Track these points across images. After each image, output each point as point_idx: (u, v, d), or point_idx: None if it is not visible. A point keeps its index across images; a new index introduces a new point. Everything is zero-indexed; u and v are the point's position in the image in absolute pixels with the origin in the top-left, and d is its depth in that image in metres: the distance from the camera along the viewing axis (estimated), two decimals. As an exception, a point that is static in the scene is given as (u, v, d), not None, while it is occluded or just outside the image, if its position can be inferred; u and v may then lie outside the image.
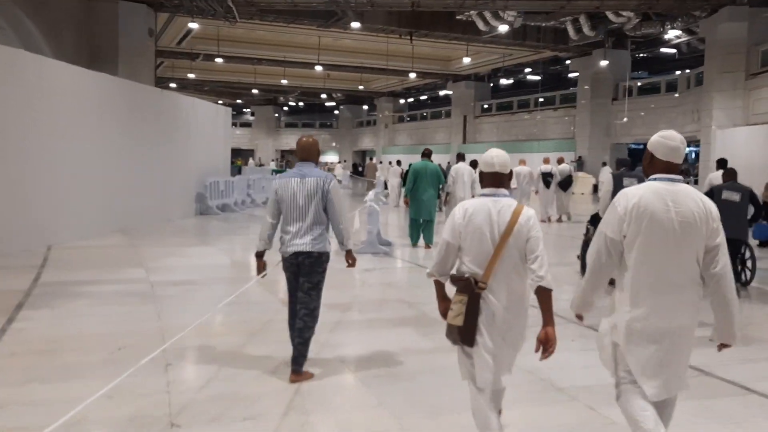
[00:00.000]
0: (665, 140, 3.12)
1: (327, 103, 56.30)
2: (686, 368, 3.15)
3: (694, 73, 28.17)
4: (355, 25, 26.25)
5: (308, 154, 4.80)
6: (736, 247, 8.27)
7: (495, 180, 3.36)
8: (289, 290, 4.87)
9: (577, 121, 33.90)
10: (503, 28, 25.77)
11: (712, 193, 8.51)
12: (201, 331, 5.84)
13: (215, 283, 8.34)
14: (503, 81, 41.92)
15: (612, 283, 3.22)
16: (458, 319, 3.22)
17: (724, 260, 3.01)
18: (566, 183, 17.26)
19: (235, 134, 60.77)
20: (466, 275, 3.26)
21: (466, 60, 33.00)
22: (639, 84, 31.75)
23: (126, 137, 13.83)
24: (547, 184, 17.11)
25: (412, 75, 37.28)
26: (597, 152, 31.68)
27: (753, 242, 12.00)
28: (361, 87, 43.82)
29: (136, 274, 8.75)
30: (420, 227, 11.82)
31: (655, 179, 3.08)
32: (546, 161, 17.70)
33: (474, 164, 12.73)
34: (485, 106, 41.99)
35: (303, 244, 4.66)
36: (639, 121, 30.94)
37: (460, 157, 13.37)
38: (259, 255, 4.94)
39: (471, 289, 3.21)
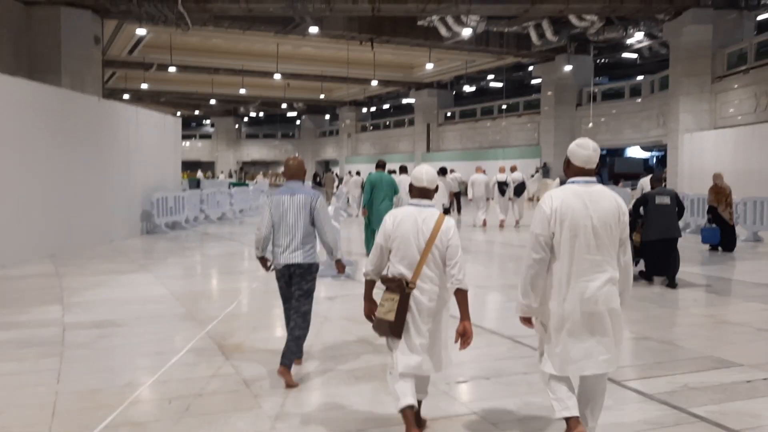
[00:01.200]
0: (580, 149, 3.57)
1: (288, 114, 54.81)
2: (612, 350, 3.45)
3: (658, 77, 27.55)
4: (314, 30, 24.94)
5: (296, 173, 5.18)
6: (673, 244, 8.95)
7: (422, 193, 3.83)
8: (283, 297, 5.23)
9: (542, 127, 33.10)
10: (467, 32, 24.75)
11: (646, 199, 9.05)
12: (103, 404, 4.43)
13: (142, 323, 6.90)
14: (466, 88, 41.09)
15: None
16: (390, 314, 3.61)
17: (628, 250, 3.54)
18: (519, 190, 17.96)
19: (196, 147, 58.92)
20: (397, 277, 3.66)
21: (429, 66, 31.99)
22: (603, 89, 31.05)
23: (60, 151, 12.25)
24: (502, 192, 17.88)
25: (374, 83, 36.10)
26: (562, 158, 30.52)
27: (704, 246, 12.70)
28: (322, 96, 42.51)
29: (49, 313, 7.24)
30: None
31: (573, 182, 3.53)
32: (501, 170, 18.47)
33: (403, 169, 13.33)
34: (448, 114, 41.05)
35: (294, 256, 4.97)
36: (603, 127, 30.25)
37: (403, 170, 13.63)
38: (260, 258, 5.33)
39: (402, 289, 3.61)
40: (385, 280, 3.72)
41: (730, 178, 20.63)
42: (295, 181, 5.14)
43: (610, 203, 3.47)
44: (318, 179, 36.96)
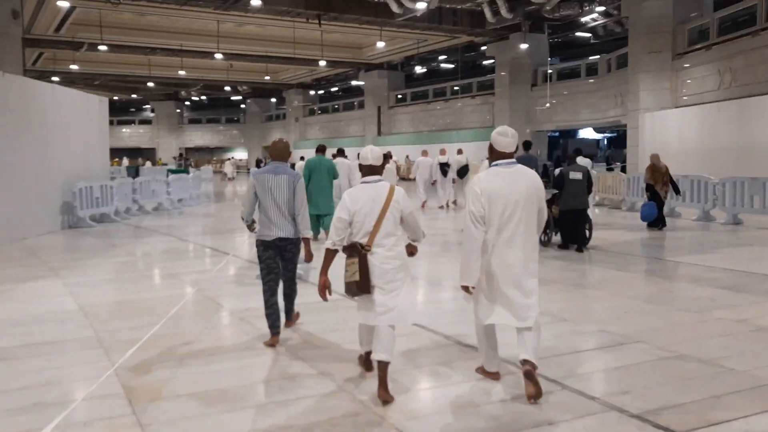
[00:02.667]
0: (501, 136, 4.13)
1: (233, 97, 52.36)
2: (531, 304, 4.08)
3: (615, 56, 26.66)
4: (256, 3, 22.96)
5: (280, 154, 5.51)
6: (583, 214, 10.16)
7: (371, 170, 4.29)
8: (268, 269, 5.41)
9: (496, 108, 31.97)
10: (421, 5, 23.20)
11: (562, 175, 10.15)
12: None
13: (28, 355, 5.20)
14: (418, 69, 39.68)
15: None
16: (355, 275, 4.07)
17: (544, 213, 4.19)
18: (462, 172, 17.93)
19: (136, 132, 55.85)
20: (352, 243, 4.13)
21: (380, 45, 30.36)
22: (558, 69, 30.05)
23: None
24: (445, 173, 18.20)
25: (322, 63, 34.25)
26: (519, 140, 29.76)
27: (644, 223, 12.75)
28: (267, 78, 40.35)
29: None
30: (320, 221, 10.70)
31: (497, 164, 4.11)
32: (443, 152, 18.76)
33: (341, 152, 13.35)
34: (399, 96, 39.58)
35: (285, 231, 5.30)
36: (560, 108, 29.29)
37: (340, 152, 13.38)
38: (249, 226, 5.65)
39: (358, 251, 4.08)
40: (344, 249, 4.16)
41: (695, 158, 19.95)
42: (280, 162, 5.45)
43: (528, 180, 4.06)
44: (261, 164, 35.06)
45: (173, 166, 38.29)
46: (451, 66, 39.03)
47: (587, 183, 10.12)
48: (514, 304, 4.03)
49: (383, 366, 4.04)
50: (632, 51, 23.56)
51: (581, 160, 14.59)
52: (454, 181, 18.21)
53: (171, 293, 7.51)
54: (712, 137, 18.92)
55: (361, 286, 4.07)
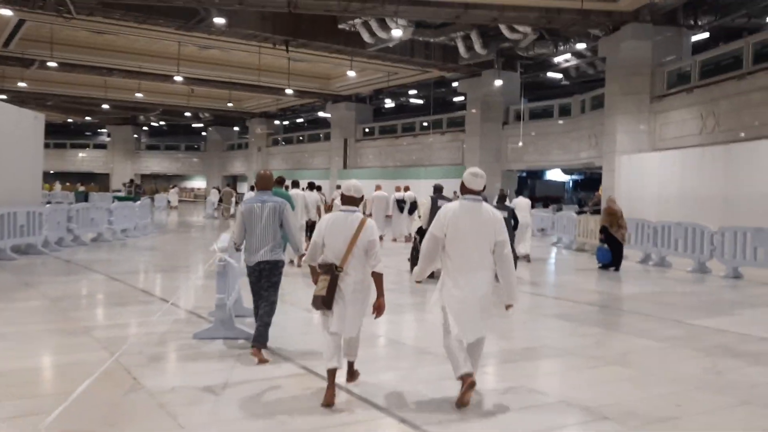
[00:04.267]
0: (471, 176, 4.77)
1: (194, 125, 50.28)
2: (485, 322, 4.80)
3: (589, 96, 25.82)
4: (220, 22, 21.40)
5: (265, 183, 5.98)
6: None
7: (350, 201, 4.88)
8: (254, 291, 5.96)
9: (466, 146, 30.82)
10: (396, 33, 22.04)
11: None
12: None
13: None
14: (387, 103, 38.52)
15: (432, 276, 5.10)
16: (323, 291, 4.65)
17: (507, 250, 4.68)
18: (412, 208, 18.33)
19: (90, 157, 53.18)
20: (329, 263, 4.71)
21: (351, 74, 29.02)
22: (531, 108, 29.11)
23: None
24: (401, 209, 18.88)
25: (289, 91, 32.72)
26: (488, 179, 28.24)
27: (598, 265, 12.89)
28: (230, 105, 38.58)
29: None
30: None
31: (465, 199, 4.72)
32: (398, 189, 19.49)
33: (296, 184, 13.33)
34: (367, 130, 38.24)
35: (265, 255, 5.76)
36: (531, 147, 28.25)
37: (295, 184, 13.32)
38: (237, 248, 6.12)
39: (332, 271, 4.67)
40: (320, 266, 4.76)
41: (677, 204, 18.87)
42: (266, 192, 5.93)
43: (490, 215, 4.69)
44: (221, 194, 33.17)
45: (122, 193, 36.02)
46: (421, 101, 37.94)
47: (513, 221, 10.97)
48: (471, 322, 4.66)
49: (351, 363, 5.09)
50: (609, 92, 22.68)
51: (521, 201, 15.63)
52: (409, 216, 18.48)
53: (74, 359, 5.69)
54: (696, 183, 17.89)
55: (325, 301, 4.66)
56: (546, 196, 31.25)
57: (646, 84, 21.46)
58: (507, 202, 13.37)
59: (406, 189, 19.49)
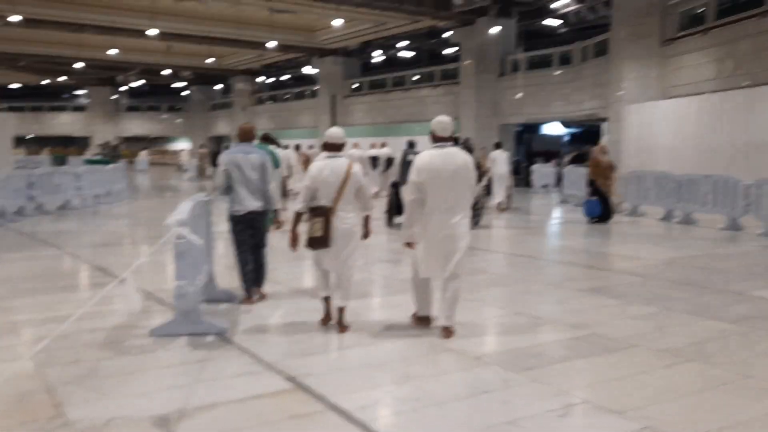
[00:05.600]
0: (439, 123, 5.03)
1: (174, 84, 47.93)
2: (456, 263, 4.92)
3: (592, 43, 24.06)
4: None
5: (247, 136, 6.14)
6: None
7: (332, 147, 5.20)
8: (240, 241, 5.99)
9: (461, 99, 29.07)
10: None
11: None
12: None
13: None
14: (375, 57, 36.49)
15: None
16: (319, 231, 4.94)
17: (473, 188, 5.12)
18: (389, 164, 17.76)
19: (68, 119, 50.95)
20: (321, 205, 5.01)
21: (338, 22, 27.01)
22: (529, 57, 27.30)
23: None
24: (374, 166, 18.73)
25: (271, 44, 30.65)
26: (485, 133, 26.92)
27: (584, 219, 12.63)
28: (211, 60, 36.38)
29: None
30: None
31: (435, 146, 4.98)
32: (373, 145, 19.76)
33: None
34: (355, 85, 36.30)
35: (256, 205, 5.89)
36: (530, 99, 26.52)
37: (271, 141, 12.02)
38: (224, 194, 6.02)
39: (326, 213, 4.97)
40: (313, 209, 5.04)
41: (692, 155, 17.41)
42: (247, 144, 6.08)
43: (460, 159, 4.93)
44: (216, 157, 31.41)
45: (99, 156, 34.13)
46: (412, 54, 35.97)
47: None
48: (446, 259, 4.92)
49: (342, 309, 5.18)
50: (615, 36, 21.01)
51: (500, 154, 16.09)
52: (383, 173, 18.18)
53: (-15, 373, 4.23)
54: (714, 132, 16.43)
55: (322, 241, 4.97)
56: (547, 151, 29.63)
57: (655, 26, 19.78)
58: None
59: (383, 145, 19.45)
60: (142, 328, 5.27)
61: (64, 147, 45.58)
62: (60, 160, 32.83)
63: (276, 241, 6.99)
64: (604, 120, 24.22)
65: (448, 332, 4.95)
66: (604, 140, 26.24)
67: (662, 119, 18.57)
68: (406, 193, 5.12)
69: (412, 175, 4.94)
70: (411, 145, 11.88)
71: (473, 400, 3.83)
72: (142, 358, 4.62)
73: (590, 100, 23.79)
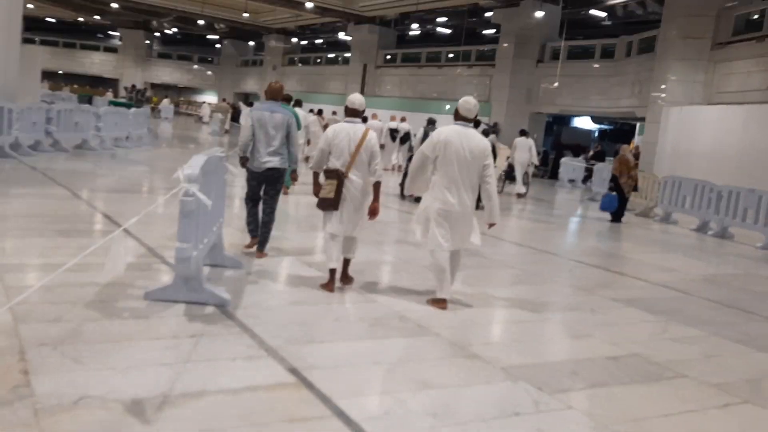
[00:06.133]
0: (465, 103, 5.10)
1: (208, 35, 47.20)
2: (468, 234, 5.15)
3: (637, 39, 23.00)
4: None
5: (275, 94, 6.10)
6: None
7: (353, 113, 5.32)
8: (251, 199, 6.16)
9: (494, 82, 28.17)
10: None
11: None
12: None
13: None
14: (413, 29, 35.49)
15: (418, 200, 5.68)
16: (330, 194, 5.06)
17: (491, 173, 5.05)
18: (405, 139, 18.17)
19: (99, 59, 50.50)
20: (335, 168, 5.11)
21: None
22: (570, 46, 26.25)
23: None
24: (393, 138, 18.59)
25: (309, 5, 29.83)
26: (515, 120, 26.09)
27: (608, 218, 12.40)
28: (246, 15, 35.58)
29: None
30: None
31: (457, 124, 5.08)
32: (393, 118, 19.45)
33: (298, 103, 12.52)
34: (389, 56, 35.39)
35: (273, 161, 5.90)
36: (565, 90, 25.56)
37: (298, 103, 12.31)
38: (243, 159, 6.03)
39: (339, 176, 5.08)
40: (327, 171, 5.16)
41: (733, 166, 16.52)
42: (275, 102, 6.06)
43: (478, 141, 5.03)
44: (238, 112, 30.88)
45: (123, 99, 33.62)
46: (449, 31, 34.92)
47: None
48: (457, 233, 5.06)
49: (348, 262, 5.41)
50: (664, 34, 19.97)
51: (523, 141, 15.85)
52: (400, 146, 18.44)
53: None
54: (758, 144, 15.55)
55: (333, 203, 5.08)
56: (577, 144, 28.69)
57: (709, 28, 18.76)
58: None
59: (403, 119, 19.24)
60: (138, 288, 4.75)
61: (92, 87, 45.14)
62: (86, 100, 32.43)
63: (291, 208, 6.45)
64: (640, 120, 23.31)
65: (442, 304, 5.12)
66: (637, 140, 25.39)
67: (704, 125, 17.67)
68: (413, 161, 5.29)
69: (425, 147, 5.09)
70: (431, 122, 11.99)
71: (501, 423, 3.26)
72: (132, 324, 4.10)
73: (629, 97, 22.83)
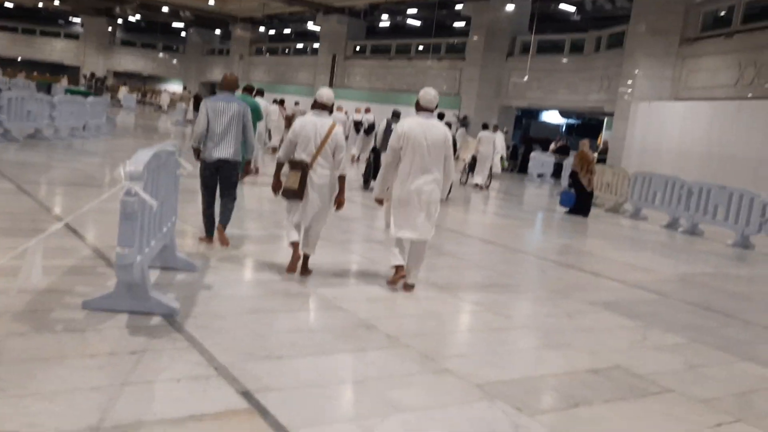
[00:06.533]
0: (426, 94, 5.25)
1: (173, 23, 45.99)
2: (428, 225, 5.26)
3: (606, 34, 22.98)
4: None
5: (231, 86, 6.06)
6: None
7: (321, 106, 5.39)
8: (207, 185, 5.99)
9: (464, 75, 27.95)
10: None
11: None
12: None
13: None
14: (382, 21, 35.04)
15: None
16: (295, 184, 5.17)
17: (451, 163, 5.28)
18: (370, 130, 18.02)
19: (59, 46, 48.88)
20: (300, 160, 5.23)
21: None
22: (539, 40, 26.10)
23: None
24: (357, 130, 18.71)
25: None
26: (484, 113, 25.85)
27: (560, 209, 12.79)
28: (212, 2, 34.67)
29: None
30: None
31: (418, 115, 5.23)
32: (357, 111, 19.50)
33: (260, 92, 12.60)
34: (358, 48, 34.89)
35: (226, 153, 5.84)
36: (535, 84, 25.48)
37: (259, 93, 12.40)
38: (196, 151, 5.98)
39: (304, 167, 5.20)
40: (292, 162, 5.27)
41: (699, 162, 16.50)
42: (229, 93, 6.02)
43: (440, 132, 5.19)
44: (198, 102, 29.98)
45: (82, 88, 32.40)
46: (418, 23, 34.55)
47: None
48: (418, 222, 5.19)
49: (307, 257, 5.48)
50: (633, 30, 19.95)
51: (487, 135, 16.16)
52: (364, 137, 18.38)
53: None
54: (727, 141, 15.58)
55: (297, 193, 5.20)
56: (546, 138, 28.63)
57: (677, 24, 18.80)
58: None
59: (367, 111, 19.36)
60: (77, 296, 4.27)
61: (52, 74, 43.59)
62: (45, 87, 31.19)
63: (248, 201, 6.03)
64: (608, 114, 23.29)
65: (409, 288, 5.34)
66: (605, 135, 25.38)
67: (672, 121, 17.68)
68: (384, 157, 5.43)
69: (392, 141, 5.23)
70: (396, 115, 12.06)
71: (477, 454, 2.91)
72: (65, 339, 3.63)
73: (597, 92, 22.81)
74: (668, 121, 17.75)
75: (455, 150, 15.92)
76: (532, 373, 3.98)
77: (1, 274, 4.53)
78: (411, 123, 5.16)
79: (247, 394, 3.19)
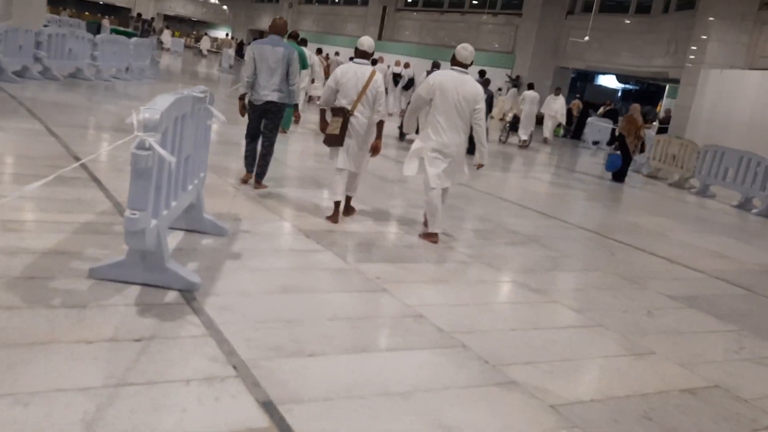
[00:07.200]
0: (463, 50, 5.27)
1: (225, -33, 44.95)
2: (461, 170, 5.49)
3: (678, -6, 21.24)
4: None
5: (279, 30, 6.08)
6: None
7: (362, 54, 5.46)
8: (251, 130, 6.14)
9: (520, 33, 26.45)
10: None
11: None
12: None
13: None
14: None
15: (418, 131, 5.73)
16: (336, 130, 5.23)
17: (481, 116, 5.23)
18: (409, 85, 17.87)
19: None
20: (341, 107, 5.28)
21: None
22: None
23: None
24: (396, 83, 18.24)
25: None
26: (538, 73, 24.46)
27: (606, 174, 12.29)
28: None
29: None
30: None
31: (453, 69, 5.27)
32: (397, 63, 18.93)
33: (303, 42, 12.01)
34: (410, 0, 33.42)
35: (273, 96, 5.91)
36: (595, 45, 23.89)
37: (302, 42, 11.73)
38: (242, 97, 6.06)
39: (344, 113, 5.24)
40: (333, 109, 5.31)
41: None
42: (278, 37, 6.02)
43: (472, 88, 5.19)
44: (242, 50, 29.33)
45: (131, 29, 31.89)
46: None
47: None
48: (449, 172, 5.32)
49: (349, 198, 5.67)
50: (709, -11, 18.27)
51: (532, 95, 16.00)
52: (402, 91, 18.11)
53: None
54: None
55: (338, 139, 5.25)
56: (594, 103, 27.11)
57: (760, -15, 17.10)
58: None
59: (407, 65, 18.84)
60: (86, 260, 3.69)
61: (103, 15, 43.29)
62: (95, 27, 30.84)
63: (291, 156, 5.34)
64: (672, 81, 21.76)
65: (434, 238, 5.37)
66: (665, 103, 23.81)
67: (746, 91, 16.21)
68: (411, 101, 5.55)
69: (421, 89, 5.33)
70: (436, 65, 11.60)
71: None
72: (60, 317, 3.03)
73: (663, 56, 21.22)
74: (741, 92, 16.29)
75: (490, 110, 14.78)
76: (616, 392, 3.25)
77: (10, 230, 3.98)
78: (444, 76, 5.23)
79: (269, 406, 2.54)
